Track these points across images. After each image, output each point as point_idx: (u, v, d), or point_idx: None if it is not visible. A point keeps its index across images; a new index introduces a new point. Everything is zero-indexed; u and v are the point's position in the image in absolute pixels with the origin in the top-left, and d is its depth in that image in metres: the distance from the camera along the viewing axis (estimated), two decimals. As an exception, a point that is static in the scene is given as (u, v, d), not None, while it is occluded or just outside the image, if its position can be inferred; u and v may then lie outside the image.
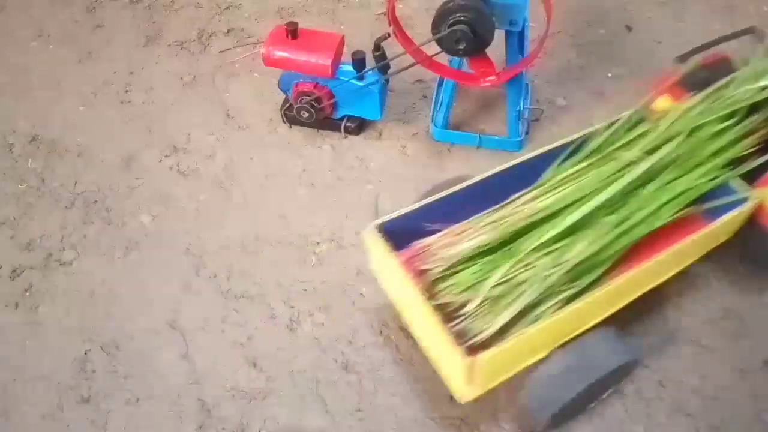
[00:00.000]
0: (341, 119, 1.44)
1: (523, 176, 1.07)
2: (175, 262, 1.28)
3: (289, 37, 1.32)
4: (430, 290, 0.98)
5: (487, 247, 0.99)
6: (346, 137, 1.46)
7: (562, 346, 0.98)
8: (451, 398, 1.10)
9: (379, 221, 1.03)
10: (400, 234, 1.02)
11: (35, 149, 1.49)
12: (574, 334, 0.99)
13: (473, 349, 0.90)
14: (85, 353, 1.17)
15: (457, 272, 0.99)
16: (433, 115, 1.44)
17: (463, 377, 0.90)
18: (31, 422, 1.10)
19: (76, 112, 1.57)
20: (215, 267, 1.27)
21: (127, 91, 1.60)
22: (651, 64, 1.56)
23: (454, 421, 1.07)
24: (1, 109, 1.58)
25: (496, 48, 1.21)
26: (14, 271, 1.29)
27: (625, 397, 1.08)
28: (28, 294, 1.25)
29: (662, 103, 1.16)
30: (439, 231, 1.02)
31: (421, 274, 1.00)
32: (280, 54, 1.33)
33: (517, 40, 1.24)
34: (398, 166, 1.41)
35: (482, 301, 0.95)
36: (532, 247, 0.97)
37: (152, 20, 1.76)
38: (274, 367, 1.14)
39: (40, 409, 1.11)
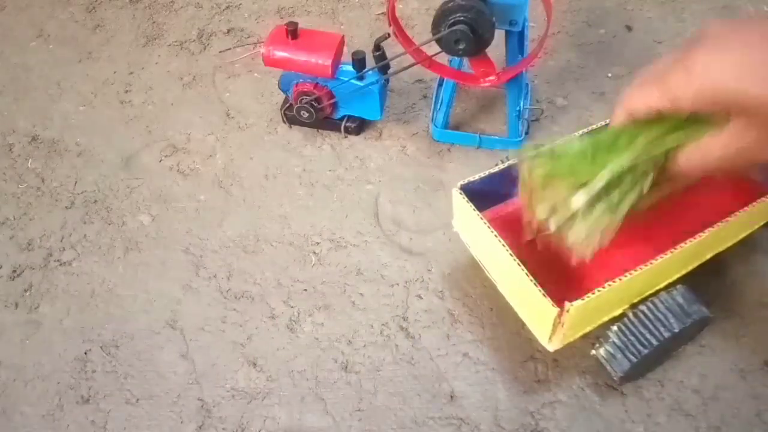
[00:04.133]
0: (341, 119, 1.44)
1: None
2: (175, 262, 1.28)
3: (289, 37, 1.32)
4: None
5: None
6: (346, 137, 1.46)
7: (637, 304, 1.02)
8: (452, 398, 1.10)
9: (461, 182, 1.07)
10: (482, 195, 1.07)
11: (35, 149, 1.49)
12: (648, 292, 1.03)
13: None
14: (85, 353, 1.17)
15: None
16: (433, 115, 1.44)
17: (551, 326, 0.95)
18: (31, 422, 1.10)
19: (76, 112, 1.57)
20: (215, 267, 1.27)
21: (127, 91, 1.60)
22: (651, 64, 1.56)
23: (454, 421, 1.07)
24: (1, 109, 1.58)
25: (496, 48, 1.21)
26: (14, 271, 1.29)
27: (625, 397, 1.08)
28: (28, 294, 1.25)
29: None
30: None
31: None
32: (280, 54, 1.33)
33: (517, 40, 1.24)
34: (398, 166, 1.41)
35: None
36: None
37: (152, 20, 1.76)
38: (274, 367, 1.14)
39: (40, 409, 1.11)
